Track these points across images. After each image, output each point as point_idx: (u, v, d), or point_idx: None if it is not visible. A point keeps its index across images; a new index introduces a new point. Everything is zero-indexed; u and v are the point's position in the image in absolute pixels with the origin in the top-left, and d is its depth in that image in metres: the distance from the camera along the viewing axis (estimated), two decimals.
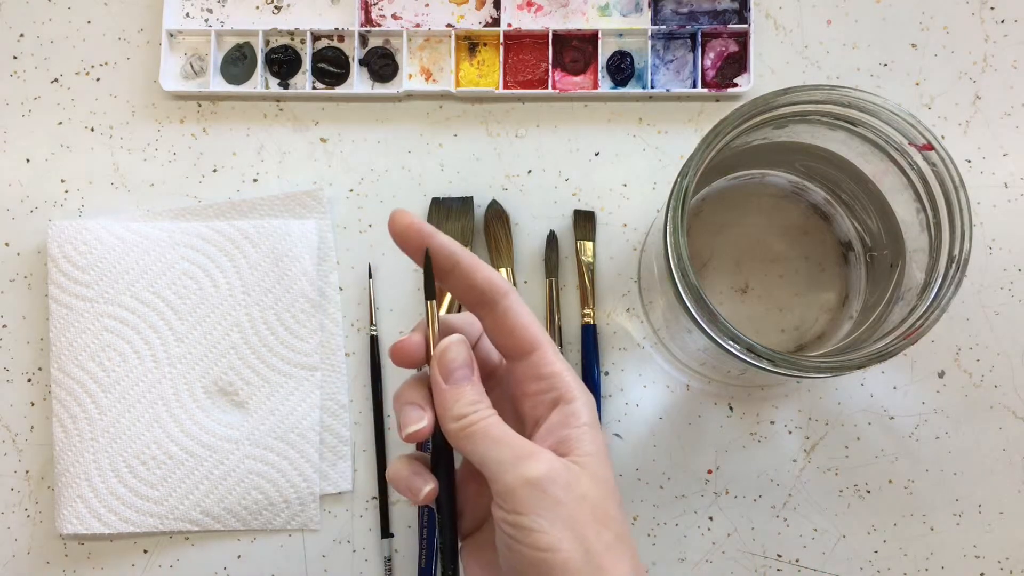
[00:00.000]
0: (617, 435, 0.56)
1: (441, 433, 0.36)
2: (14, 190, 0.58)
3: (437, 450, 0.37)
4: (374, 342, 0.56)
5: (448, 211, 0.57)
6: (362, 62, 0.59)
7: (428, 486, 0.36)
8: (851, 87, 0.44)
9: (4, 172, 0.59)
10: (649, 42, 0.58)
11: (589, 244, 0.57)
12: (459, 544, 0.37)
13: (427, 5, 0.59)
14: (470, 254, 0.36)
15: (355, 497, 0.56)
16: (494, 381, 0.39)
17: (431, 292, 0.36)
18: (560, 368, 0.36)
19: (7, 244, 0.58)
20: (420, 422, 0.35)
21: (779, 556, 0.55)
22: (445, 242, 0.36)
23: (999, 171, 0.58)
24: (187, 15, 0.59)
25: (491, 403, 0.35)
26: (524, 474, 0.33)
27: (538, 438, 0.35)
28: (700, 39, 0.58)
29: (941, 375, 0.56)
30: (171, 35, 0.59)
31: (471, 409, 0.35)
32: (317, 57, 0.59)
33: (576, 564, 0.32)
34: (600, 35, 0.58)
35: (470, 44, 0.59)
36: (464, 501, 0.38)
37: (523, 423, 0.37)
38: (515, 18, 0.59)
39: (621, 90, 0.58)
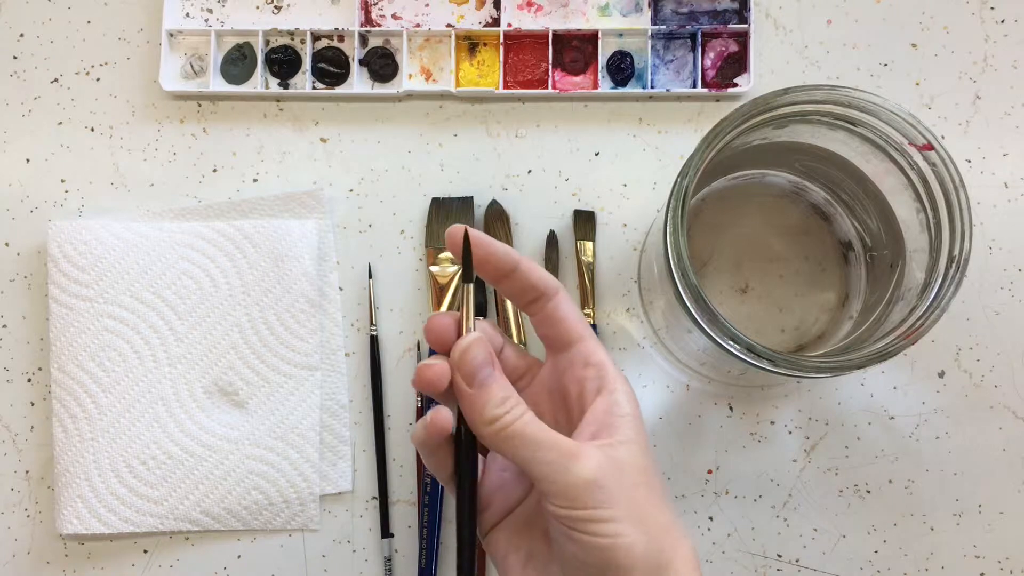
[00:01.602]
0: None
1: (463, 432, 0.36)
2: (14, 190, 0.58)
3: (460, 449, 0.37)
4: (374, 342, 0.56)
5: (448, 211, 0.57)
6: (362, 62, 0.59)
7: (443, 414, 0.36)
8: (851, 87, 0.44)
9: (4, 172, 0.59)
10: (649, 42, 0.58)
11: (589, 244, 0.57)
12: (482, 538, 0.37)
13: (427, 5, 0.59)
14: (525, 258, 0.37)
15: (355, 497, 0.56)
16: (526, 380, 0.39)
17: (469, 275, 0.36)
18: (604, 358, 0.37)
19: (7, 244, 0.58)
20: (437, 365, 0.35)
21: (779, 556, 0.55)
22: (503, 247, 0.37)
23: (999, 171, 0.58)
24: (187, 15, 0.59)
25: (530, 389, 0.36)
26: (578, 474, 0.33)
27: (583, 425, 0.36)
28: (700, 39, 0.58)
29: (941, 375, 0.56)
30: (171, 35, 0.59)
31: (502, 410, 0.34)
32: (317, 57, 0.59)
33: (640, 548, 0.33)
34: (600, 35, 0.58)
35: (470, 44, 0.59)
36: (492, 492, 0.38)
37: (569, 411, 0.37)
38: (515, 18, 0.59)
39: (621, 90, 0.58)
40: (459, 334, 0.36)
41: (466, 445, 0.36)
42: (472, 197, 0.57)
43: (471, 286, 0.36)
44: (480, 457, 0.38)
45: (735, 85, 0.58)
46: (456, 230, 0.36)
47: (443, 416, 0.35)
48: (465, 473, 0.36)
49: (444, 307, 0.55)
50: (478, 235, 0.36)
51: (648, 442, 0.36)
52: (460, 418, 0.36)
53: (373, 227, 0.58)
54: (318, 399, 0.56)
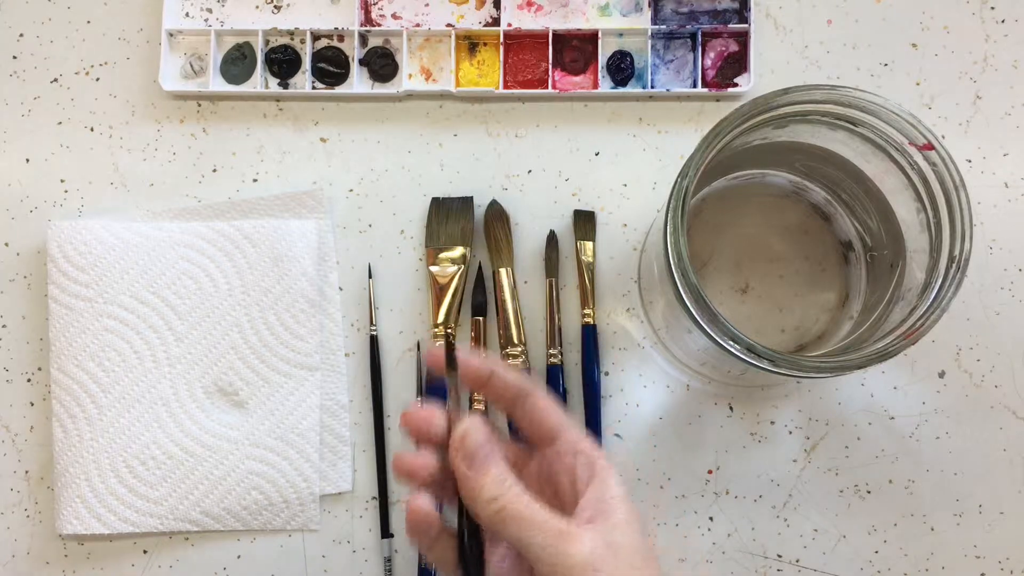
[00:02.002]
0: (617, 435, 0.56)
1: (466, 522, 0.37)
2: (14, 190, 0.58)
3: (463, 540, 0.37)
4: (374, 342, 0.56)
5: (448, 211, 0.57)
6: (362, 62, 0.59)
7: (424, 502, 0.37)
8: (851, 87, 0.44)
9: (4, 172, 0.59)
10: (649, 42, 0.58)
11: (589, 244, 0.57)
12: None
13: (427, 5, 0.59)
14: (499, 363, 0.39)
15: (355, 497, 0.56)
16: (516, 472, 0.39)
17: (452, 363, 0.38)
18: (585, 446, 0.38)
19: (7, 244, 0.58)
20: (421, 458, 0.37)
21: (779, 556, 0.55)
22: (477, 360, 0.39)
23: (999, 171, 0.58)
24: (187, 15, 0.59)
25: (521, 482, 0.36)
26: (574, 556, 0.34)
27: (578, 511, 0.36)
28: (700, 39, 0.58)
29: (941, 375, 0.56)
30: (171, 35, 0.59)
31: (500, 491, 0.35)
32: (317, 57, 0.59)
33: None
34: (600, 35, 0.58)
35: (470, 44, 0.59)
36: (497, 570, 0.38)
37: (562, 500, 0.38)
38: (515, 18, 0.59)
39: (621, 90, 0.58)
40: (448, 423, 0.37)
41: (470, 535, 0.37)
42: (472, 197, 0.57)
43: (456, 373, 0.38)
44: None
45: (735, 85, 0.58)
46: (437, 351, 0.39)
47: (421, 501, 0.36)
48: (472, 563, 0.37)
49: (444, 307, 0.55)
50: (457, 351, 0.39)
51: (640, 521, 0.37)
52: (462, 510, 0.37)
53: (373, 227, 0.58)
54: (318, 399, 0.56)
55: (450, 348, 0.38)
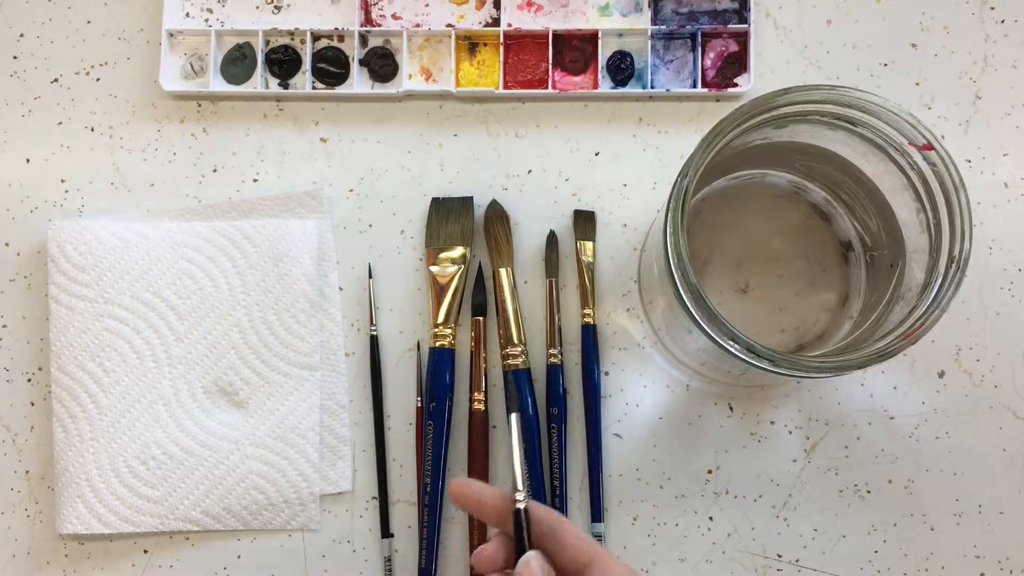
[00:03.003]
0: (617, 435, 0.56)
1: None
2: (14, 190, 0.58)
3: None
4: (374, 342, 0.56)
5: (448, 211, 0.57)
6: (362, 62, 0.59)
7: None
8: (851, 87, 0.44)
9: (4, 172, 0.59)
10: (649, 42, 0.58)
11: (589, 244, 0.57)
12: None
13: (427, 5, 0.59)
14: (566, 521, 0.40)
15: (355, 497, 0.56)
16: None
17: (524, 546, 0.39)
18: (615, 571, 0.39)
19: (7, 244, 0.58)
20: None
21: (779, 556, 0.55)
22: (494, 496, 0.40)
23: (999, 171, 0.58)
24: (187, 15, 0.59)
25: None
26: None
27: None
28: (700, 39, 0.58)
29: (941, 375, 0.56)
30: (171, 35, 0.59)
31: None
32: (317, 57, 0.59)
33: None
34: (600, 35, 0.58)
35: (470, 44, 0.59)
36: None
37: None
38: (515, 18, 0.59)
39: (621, 90, 0.58)
40: (509, 557, 0.39)
41: None
42: (472, 197, 0.57)
43: (524, 514, 0.39)
44: None
45: (735, 85, 0.58)
46: (457, 489, 0.40)
47: (487, 553, 0.39)
48: None
49: (444, 307, 0.55)
50: (477, 490, 0.40)
51: None
52: None
53: (373, 227, 0.58)
54: (318, 399, 0.56)
55: (523, 531, 0.39)
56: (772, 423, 0.56)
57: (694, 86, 0.58)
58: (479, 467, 0.55)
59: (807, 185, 0.53)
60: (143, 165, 0.59)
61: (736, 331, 0.42)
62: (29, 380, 0.57)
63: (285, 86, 0.59)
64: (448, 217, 0.57)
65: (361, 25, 0.59)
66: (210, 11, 0.59)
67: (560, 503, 0.54)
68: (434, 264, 0.56)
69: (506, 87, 0.58)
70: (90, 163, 0.59)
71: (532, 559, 0.38)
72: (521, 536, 0.38)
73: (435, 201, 0.57)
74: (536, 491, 0.54)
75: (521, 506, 0.39)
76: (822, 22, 0.59)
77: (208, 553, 0.55)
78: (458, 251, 0.56)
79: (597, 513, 0.55)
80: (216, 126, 0.59)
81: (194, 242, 0.57)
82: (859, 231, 0.53)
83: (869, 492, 0.56)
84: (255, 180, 0.58)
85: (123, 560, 0.56)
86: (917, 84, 0.58)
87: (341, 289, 0.57)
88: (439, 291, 0.56)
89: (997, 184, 0.57)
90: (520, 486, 0.39)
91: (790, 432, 0.56)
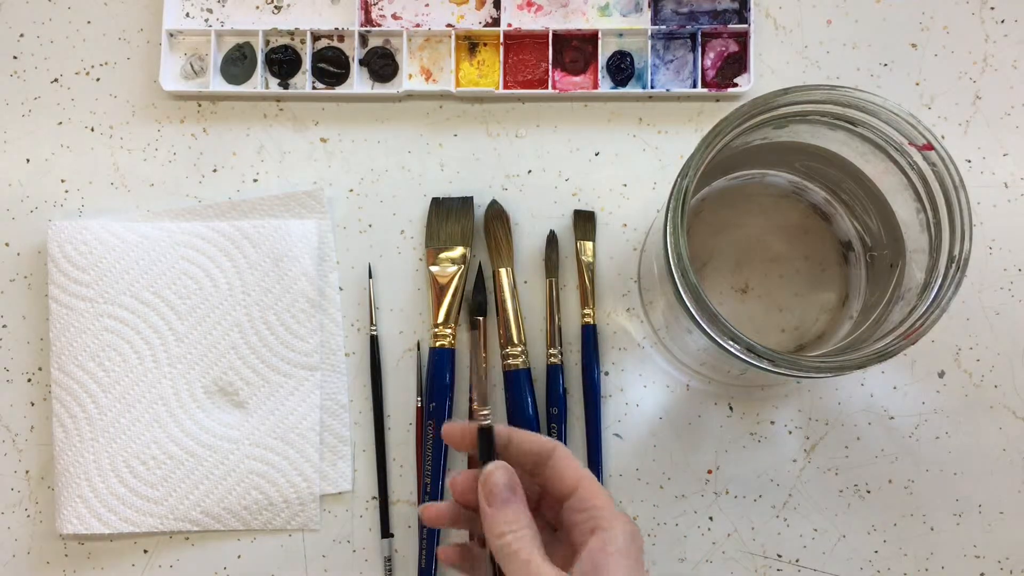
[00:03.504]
0: (617, 435, 0.56)
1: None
2: (14, 190, 0.58)
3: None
4: (374, 342, 0.56)
5: (448, 211, 0.57)
6: (362, 62, 0.59)
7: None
8: (851, 87, 0.44)
9: (4, 172, 0.59)
10: (649, 42, 0.58)
11: (589, 244, 0.57)
12: None
13: (427, 5, 0.59)
14: (516, 429, 0.41)
15: (355, 497, 0.56)
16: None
17: (488, 454, 0.41)
18: (601, 502, 0.39)
19: (7, 244, 0.58)
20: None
21: (779, 556, 0.55)
22: (503, 429, 0.41)
23: (999, 171, 0.58)
24: (187, 15, 0.59)
25: (536, 526, 0.39)
26: None
27: (578, 562, 0.38)
28: (700, 39, 0.58)
29: (941, 375, 0.56)
30: (171, 35, 0.59)
31: (507, 529, 0.38)
32: (317, 57, 0.59)
33: None
34: (600, 35, 0.58)
35: (470, 44, 0.59)
36: None
37: (573, 550, 0.39)
38: (515, 18, 0.59)
39: (621, 90, 0.58)
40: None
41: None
42: (472, 197, 0.57)
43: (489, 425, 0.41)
44: None
45: (735, 85, 0.58)
46: (452, 429, 0.42)
47: (432, 509, 0.42)
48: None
49: (444, 307, 0.55)
50: (469, 427, 0.41)
51: (639, 572, 0.37)
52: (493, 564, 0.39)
53: (373, 227, 0.58)
54: (318, 399, 0.56)
55: (488, 437, 0.41)
56: (772, 423, 0.56)
57: (694, 86, 0.58)
58: (479, 467, 0.54)
59: (807, 185, 0.53)
60: (143, 165, 0.59)
61: (736, 331, 0.42)
62: (29, 380, 0.57)
63: (285, 86, 0.59)
64: (448, 217, 0.57)
65: (361, 25, 0.59)
66: (210, 11, 0.59)
67: None
68: (434, 264, 0.56)
69: (506, 87, 0.58)
70: (90, 163, 0.59)
71: (495, 468, 0.40)
72: (485, 450, 0.40)
73: (435, 201, 0.57)
74: None
75: (486, 423, 0.40)
76: (822, 22, 0.59)
77: (208, 553, 0.55)
78: (458, 251, 0.56)
79: None
80: (216, 126, 0.59)
81: (194, 242, 0.57)
82: (859, 231, 0.53)
83: (869, 492, 0.56)
84: (255, 180, 0.58)
85: (123, 560, 0.56)
86: (917, 84, 0.58)
87: (341, 289, 0.57)
88: (439, 291, 0.56)
89: (997, 184, 0.57)
90: (481, 403, 0.41)
91: (790, 432, 0.56)
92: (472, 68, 0.59)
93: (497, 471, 0.39)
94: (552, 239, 0.57)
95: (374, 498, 0.56)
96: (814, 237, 0.55)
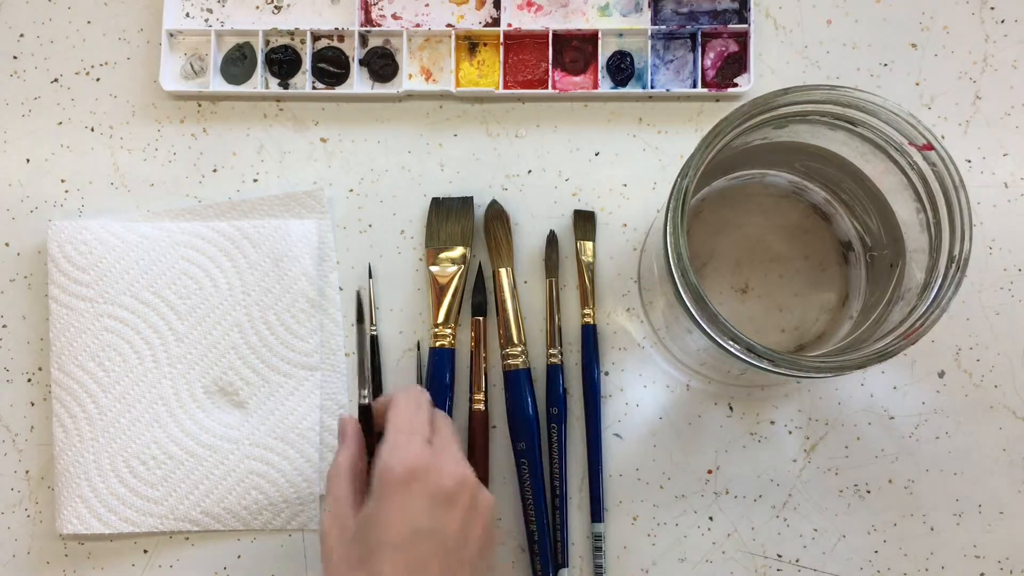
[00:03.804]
0: (617, 435, 0.56)
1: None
2: (14, 190, 0.58)
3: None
4: (374, 342, 0.56)
5: (448, 211, 0.57)
6: (362, 62, 0.59)
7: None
8: (851, 87, 0.44)
9: (4, 172, 0.59)
10: (649, 42, 0.58)
11: (589, 244, 0.57)
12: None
13: (427, 5, 0.59)
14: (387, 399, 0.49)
15: None
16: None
17: (368, 427, 0.49)
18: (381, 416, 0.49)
19: (7, 244, 0.58)
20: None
21: (779, 556, 0.55)
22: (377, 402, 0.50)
23: (999, 171, 0.58)
24: (187, 15, 0.59)
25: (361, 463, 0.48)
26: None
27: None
28: (700, 39, 0.58)
29: (941, 375, 0.56)
30: (171, 35, 0.59)
31: (340, 460, 0.47)
32: (317, 57, 0.59)
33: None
34: (600, 35, 0.58)
35: (470, 44, 0.59)
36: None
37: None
38: (515, 18, 0.59)
39: (621, 90, 0.58)
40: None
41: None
42: (472, 197, 0.57)
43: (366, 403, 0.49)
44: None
45: (735, 85, 0.58)
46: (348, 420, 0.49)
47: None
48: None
49: (444, 307, 0.55)
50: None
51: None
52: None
53: (373, 227, 0.58)
54: (318, 399, 0.56)
55: (367, 413, 0.49)
56: (772, 423, 0.56)
57: (694, 86, 0.58)
58: (479, 466, 0.54)
59: (807, 185, 0.53)
60: (143, 165, 0.59)
61: (736, 331, 0.42)
62: (29, 380, 0.57)
63: (285, 86, 0.59)
64: (448, 217, 0.57)
65: (361, 25, 0.59)
66: (210, 11, 0.59)
67: (560, 503, 0.54)
68: (434, 264, 0.56)
69: (506, 87, 0.58)
70: (90, 163, 0.59)
71: (348, 419, 0.49)
72: (366, 423, 0.49)
73: (435, 201, 0.57)
74: (536, 491, 0.54)
75: (364, 402, 0.49)
76: (822, 22, 0.59)
77: (208, 553, 0.55)
78: (458, 251, 0.56)
79: (597, 513, 0.55)
80: (216, 126, 0.59)
81: (194, 242, 0.57)
82: (859, 231, 0.53)
83: (869, 492, 0.56)
84: (255, 180, 0.58)
85: (123, 560, 0.56)
86: (917, 84, 0.58)
87: (341, 289, 0.57)
88: (439, 291, 0.56)
89: (997, 184, 0.57)
90: (363, 389, 0.50)
91: (790, 432, 0.56)
92: (472, 68, 0.59)
93: (348, 422, 0.49)
94: (552, 239, 0.57)
95: None
96: (814, 237, 0.55)
